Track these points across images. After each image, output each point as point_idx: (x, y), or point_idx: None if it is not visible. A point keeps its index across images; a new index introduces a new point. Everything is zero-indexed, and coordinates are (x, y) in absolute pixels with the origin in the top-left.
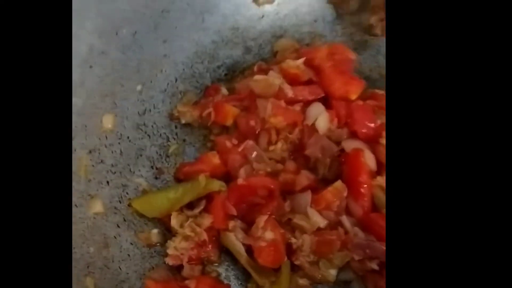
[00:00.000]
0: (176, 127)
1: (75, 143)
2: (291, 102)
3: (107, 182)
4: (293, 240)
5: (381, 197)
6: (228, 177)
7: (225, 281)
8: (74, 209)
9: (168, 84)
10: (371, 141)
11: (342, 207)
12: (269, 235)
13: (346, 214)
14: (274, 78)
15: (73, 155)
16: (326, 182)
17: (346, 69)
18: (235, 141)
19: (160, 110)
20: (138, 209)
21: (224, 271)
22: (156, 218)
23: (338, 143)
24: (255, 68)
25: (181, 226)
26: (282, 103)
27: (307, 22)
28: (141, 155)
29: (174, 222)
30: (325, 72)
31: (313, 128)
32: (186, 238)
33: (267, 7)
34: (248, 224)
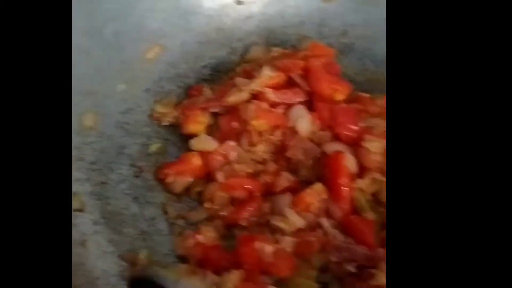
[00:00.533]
0: (158, 126)
1: None
2: (274, 105)
3: (87, 179)
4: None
5: (362, 199)
6: (209, 177)
7: None
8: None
9: (151, 83)
10: (353, 144)
11: (321, 209)
12: None
13: (327, 216)
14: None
15: None
16: (308, 184)
17: (333, 71)
18: (216, 142)
19: (142, 109)
20: None
21: None
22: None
23: (320, 145)
24: (239, 70)
25: None
26: (265, 105)
27: (293, 24)
28: (122, 153)
29: None
30: (313, 71)
31: (295, 131)
32: None
33: (254, 8)
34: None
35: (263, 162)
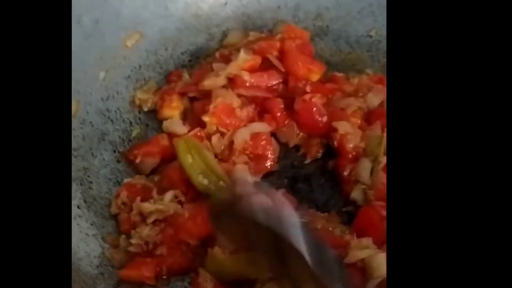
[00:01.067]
0: (139, 112)
1: None
2: (251, 88)
3: None
4: None
5: None
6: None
7: None
8: None
9: (132, 70)
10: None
11: None
12: None
13: None
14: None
15: None
16: None
17: (307, 52)
18: (187, 126)
19: (123, 96)
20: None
21: None
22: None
23: None
24: (217, 55)
25: None
26: (235, 102)
27: (269, 8)
28: (103, 140)
29: None
30: (288, 52)
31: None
32: None
33: None
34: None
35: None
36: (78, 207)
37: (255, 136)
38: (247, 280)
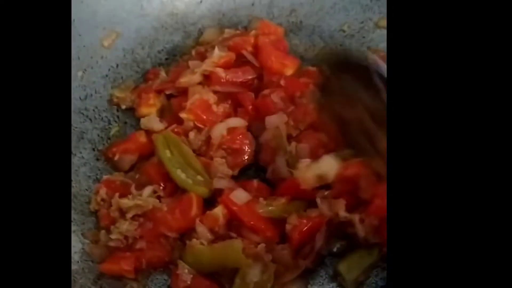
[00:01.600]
0: (117, 110)
1: None
2: (227, 84)
3: None
4: None
5: None
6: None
7: None
8: None
9: (109, 69)
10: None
11: None
12: None
13: None
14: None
15: None
16: None
17: (281, 48)
18: (165, 123)
19: (101, 94)
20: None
21: None
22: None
23: None
24: (193, 52)
25: None
26: (211, 98)
27: (244, 6)
28: (82, 138)
29: None
30: (262, 47)
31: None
32: None
33: None
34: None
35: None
36: None
37: (231, 130)
38: (227, 270)
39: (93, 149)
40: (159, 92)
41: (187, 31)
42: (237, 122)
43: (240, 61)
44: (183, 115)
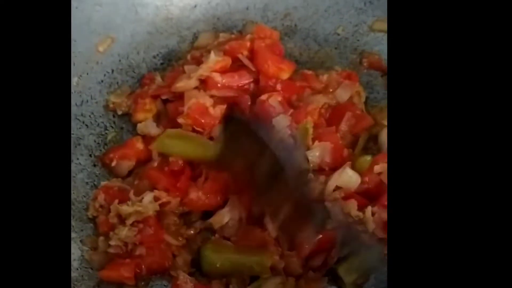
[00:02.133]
0: (113, 116)
1: None
2: (223, 88)
3: None
4: None
5: None
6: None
7: None
8: None
9: (104, 75)
10: None
11: None
12: None
13: None
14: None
15: None
16: None
17: (277, 52)
18: (161, 128)
19: (97, 100)
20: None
21: None
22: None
23: None
24: (189, 57)
25: None
26: (207, 102)
27: (238, 10)
28: (79, 144)
29: None
30: (258, 52)
31: None
32: None
33: None
34: None
35: None
36: None
37: None
38: (240, 276)
39: (90, 155)
40: (155, 97)
41: (182, 36)
42: None
43: (236, 65)
44: (180, 120)
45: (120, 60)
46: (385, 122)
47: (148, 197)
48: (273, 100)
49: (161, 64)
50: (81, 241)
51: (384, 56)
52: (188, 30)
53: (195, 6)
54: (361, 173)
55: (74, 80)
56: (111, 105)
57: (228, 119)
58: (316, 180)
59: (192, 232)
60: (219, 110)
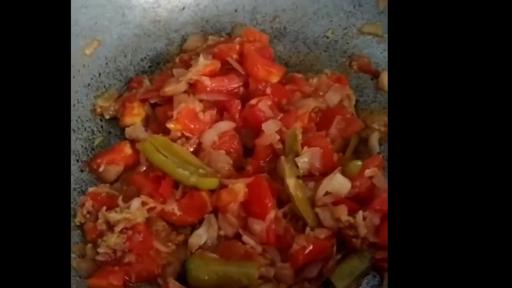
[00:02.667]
0: (101, 120)
1: None
2: (213, 92)
3: None
4: None
5: None
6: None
7: None
8: None
9: (91, 78)
10: None
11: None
12: None
13: None
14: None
15: None
16: None
17: (267, 55)
18: (150, 132)
19: (84, 104)
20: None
21: None
22: None
23: None
24: (177, 60)
25: None
26: (197, 106)
27: (227, 12)
28: None
29: None
30: (248, 55)
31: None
32: None
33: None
34: None
35: None
36: None
37: (222, 135)
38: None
39: (77, 161)
40: (143, 101)
41: (170, 38)
42: (226, 125)
43: (225, 69)
44: (170, 125)
45: (107, 63)
46: (376, 126)
47: (135, 203)
48: (263, 105)
49: (149, 67)
50: None
51: (374, 59)
52: (176, 32)
53: (183, 8)
54: (351, 178)
55: None
56: (98, 109)
57: None
58: (306, 186)
59: (182, 238)
60: (208, 115)
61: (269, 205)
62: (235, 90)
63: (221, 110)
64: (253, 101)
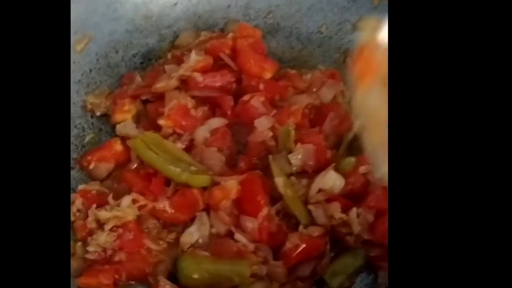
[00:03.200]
0: (91, 117)
1: None
2: (205, 88)
3: None
4: None
5: None
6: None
7: None
8: None
9: (82, 75)
10: None
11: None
12: None
13: None
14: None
15: None
16: None
17: (260, 50)
18: (141, 129)
19: (75, 101)
20: None
21: None
22: None
23: None
24: (169, 56)
25: None
26: (189, 103)
27: (220, 8)
28: None
29: None
30: (240, 51)
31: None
32: None
33: None
34: None
35: None
36: None
37: (214, 132)
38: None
39: None
40: (134, 97)
41: (162, 34)
42: (218, 122)
43: (217, 65)
44: (161, 121)
45: (98, 60)
46: None
47: (126, 200)
48: (256, 101)
49: (141, 63)
50: None
51: None
52: (168, 28)
53: (176, 4)
54: (345, 174)
55: None
56: (89, 106)
57: None
58: (299, 183)
59: (173, 236)
60: (200, 112)
61: (261, 202)
62: (227, 86)
63: (213, 107)
64: (245, 97)
